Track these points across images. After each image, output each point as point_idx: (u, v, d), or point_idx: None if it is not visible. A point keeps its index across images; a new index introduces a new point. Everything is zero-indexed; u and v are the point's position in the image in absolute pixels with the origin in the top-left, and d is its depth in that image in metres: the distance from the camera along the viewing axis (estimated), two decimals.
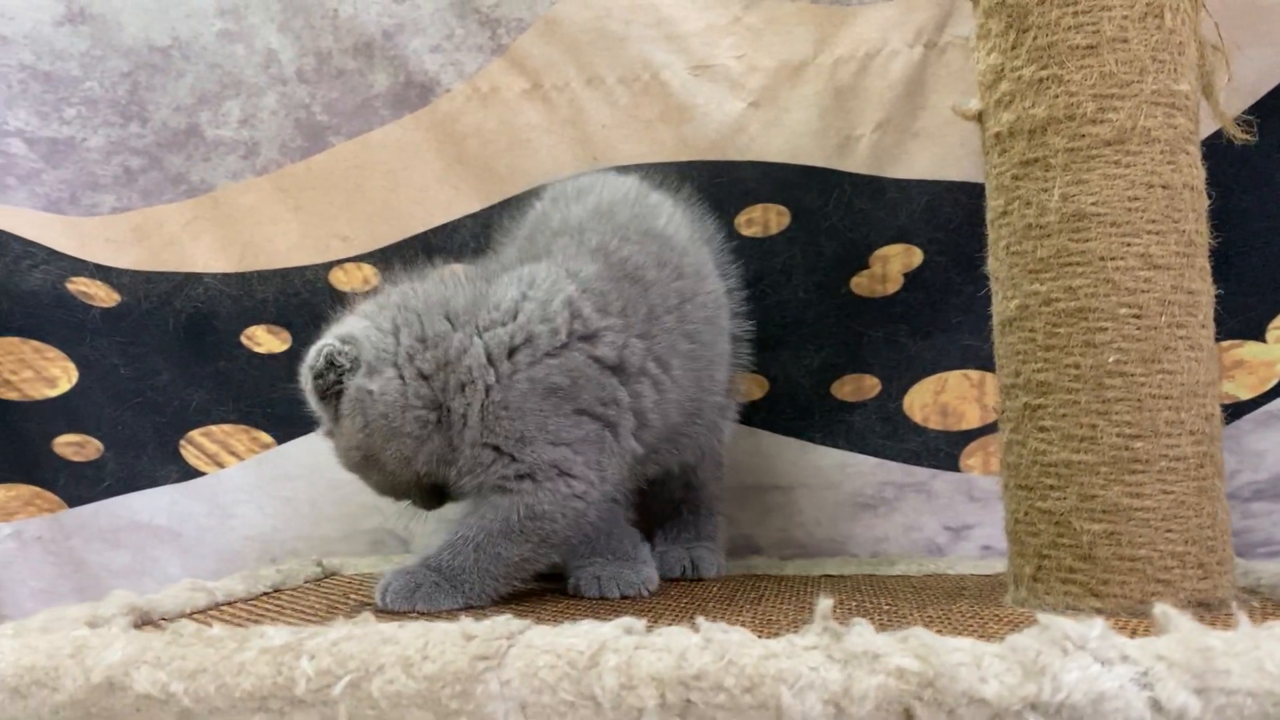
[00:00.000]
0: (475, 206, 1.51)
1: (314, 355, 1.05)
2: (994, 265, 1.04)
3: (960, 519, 1.41)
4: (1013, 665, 0.68)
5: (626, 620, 0.77)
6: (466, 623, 0.77)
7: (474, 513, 1.05)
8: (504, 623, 0.77)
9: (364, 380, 1.03)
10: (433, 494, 1.11)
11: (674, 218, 1.20)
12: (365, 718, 0.72)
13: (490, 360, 1.03)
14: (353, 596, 1.16)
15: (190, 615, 1.06)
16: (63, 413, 1.48)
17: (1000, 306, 1.02)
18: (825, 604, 0.74)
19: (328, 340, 1.05)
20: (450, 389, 1.04)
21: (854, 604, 1.03)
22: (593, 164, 1.47)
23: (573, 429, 1.03)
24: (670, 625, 0.76)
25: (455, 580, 1.02)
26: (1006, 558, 1.04)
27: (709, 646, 0.72)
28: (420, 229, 1.52)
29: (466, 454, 1.04)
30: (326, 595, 1.18)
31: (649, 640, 0.73)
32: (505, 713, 0.71)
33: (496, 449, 1.03)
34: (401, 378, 1.04)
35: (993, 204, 1.04)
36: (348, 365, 1.03)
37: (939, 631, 0.70)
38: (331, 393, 1.04)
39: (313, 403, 1.06)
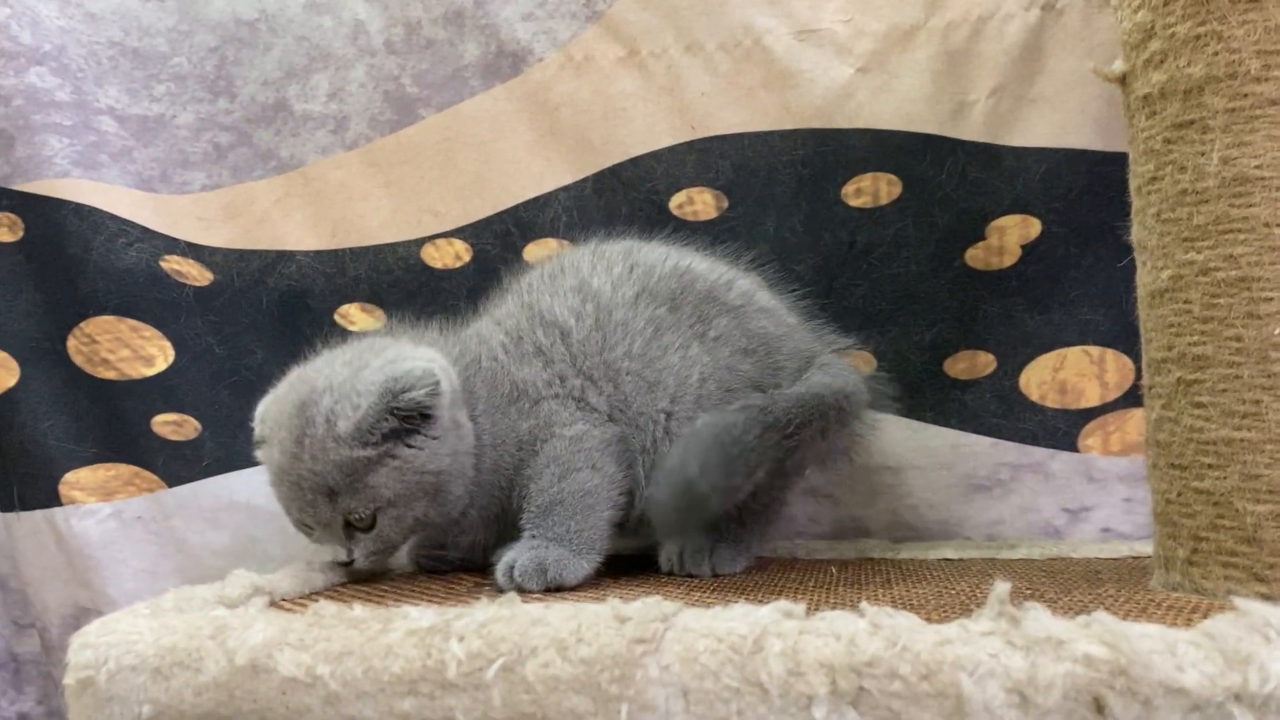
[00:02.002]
0: (568, 179, 1.47)
1: (408, 373, 1.02)
2: (1141, 234, 0.98)
3: (1079, 500, 1.36)
4: (1211, 653, 0.64)
5: (783, 604, 0.74)
6: (615, 603, 0.74)
7: (530, 496, 1.07)
8: (655, 604, 0.74)
9: (453, 411, 1.06)
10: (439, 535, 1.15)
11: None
12: (520, 703, 0.69)
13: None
14: (465, 579, 1.14)
15: (310, 596, 1.04)
16: (160, 392, 1.47)
17: (1149, 277, 0.97)
18: (1003, 587, 0.71)
19: (416, 363, 1.04)
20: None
21: (990, 588, 0.99)
22: (690, 133, 1.43)
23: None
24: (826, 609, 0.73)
25: (572, 542, 1.03)
26: (1154, 540, 0.99)
27: (878, 632, 0.69)
28: (512, 203, 1.49)
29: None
30: (441, 576, 1.16)
31: (812, 625, 0.70)
32: (666, 698, 0.68)
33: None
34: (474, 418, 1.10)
35: (1140, 169, 0.98)
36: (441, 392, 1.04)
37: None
38: (413, 414, 1.03)
39: (373, 418, 1.01)
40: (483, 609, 0.77)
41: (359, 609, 0.79)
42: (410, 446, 1.03)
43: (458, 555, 1.18)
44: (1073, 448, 1.36)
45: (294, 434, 1.03)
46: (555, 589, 1.00)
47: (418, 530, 1.10)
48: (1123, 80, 1.00)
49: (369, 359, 1.07)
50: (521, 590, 0.99)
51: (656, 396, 1.10)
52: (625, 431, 1.11)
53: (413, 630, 0.75)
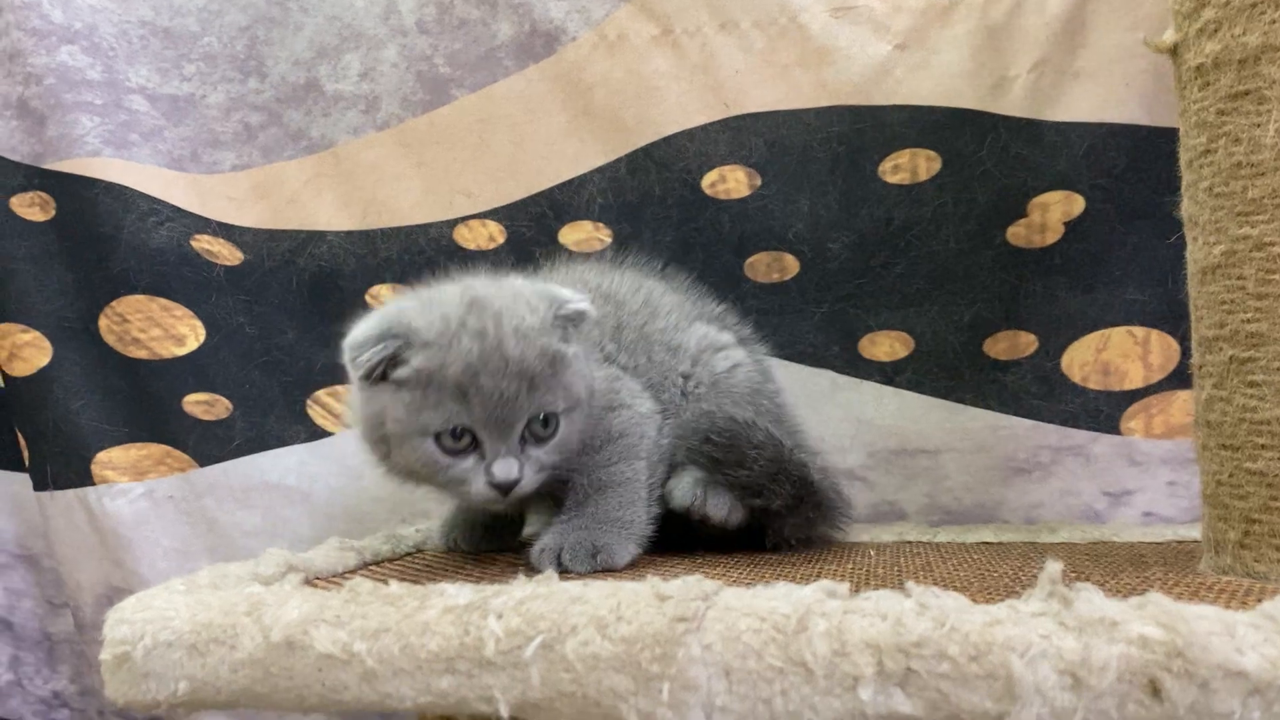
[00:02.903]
0: (601, 160, 1.46)
1: (560, 291, 1.02)
2: (1192, 209, 0.96)
3: (1120, 484, 1.34)
4: (1272, 635, 0.62)
5: (826, 584, 0.72)
6: (656, 581, 0.72)
7: (585, 469, 1.05)
8: (695, 583, 0.72)
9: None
10: None
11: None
12: (559, 681, 0.68)
13: None
14: (499, 559, 1.13)
15: (344, 575, 1.03)
16: (191, 371, 1.47)
17: (1200, 253, 0.94)
18: (1054, 567, 0.68)
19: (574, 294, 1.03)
20: None
21: (1034, 571, 0.97)
22: (724, 111, 1.42)
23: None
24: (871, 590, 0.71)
25: (621, 523, 1.01)
26: (1202, 523, 0.96)
27: (926, 612, 0.66)
28: (546, 184, 1.48)
29: None
30: (474, 557, 1.15)
31: (857, 604, 0.68)
32: (708, 677, 0.66)
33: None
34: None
35: (1191, 142, 0.95)
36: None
37: None
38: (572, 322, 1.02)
39: (550, 318, 0.99)
40: (521, 586, 0.75)
41: (395, 586, 0.78)
42: (575, 355, 1.02)
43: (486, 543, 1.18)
44: (1115, 430, 1.34)
45: (486, 328, 0.96)
46: (603, 572, 0.97)
47: (565, 460, 1.03)
48: (1174, 51, 0.97)
49: (504, 281, 1.06)
50: (565, 573, 0.96)
51: (679, 360, 1.14)
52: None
53: (450, 607, 0.74)
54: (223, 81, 1.52)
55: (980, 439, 1.37)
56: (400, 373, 0.95)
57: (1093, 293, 1.33)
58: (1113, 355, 1.33)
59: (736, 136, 1.41)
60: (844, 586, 0.71)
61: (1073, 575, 0.93)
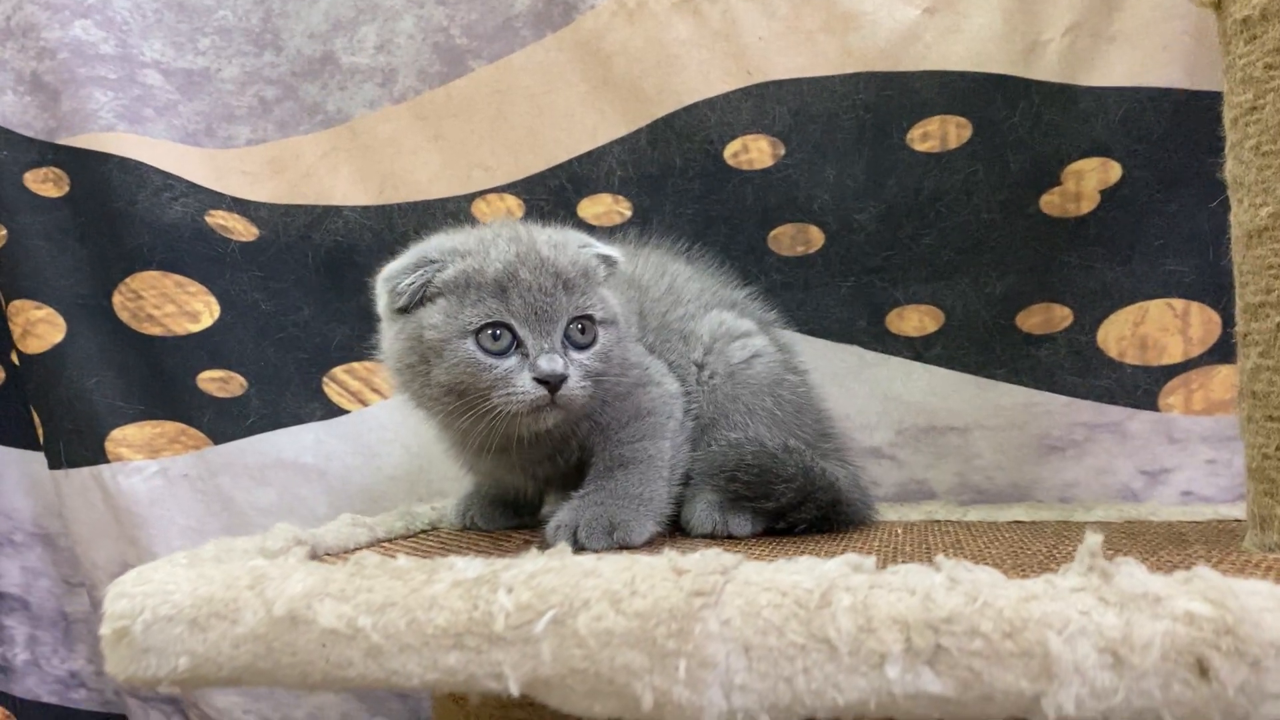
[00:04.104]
0: (622, 131, 1.43)
1: (592, 241, 1.04)
2: (1237, 170, 0.91)
3: (1158, 462, 1.30)
4: None
5: (852, 557, 0.68)
6: (672, 555, 0.70)
7: (608, 444, 1.03)
8: (715, 556, 0.69)
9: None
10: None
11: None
12: (571, 657, 0.65)
13: None
14: (515, 537, 1.10)
15: (353, 550, 1.00)
16: (206, 348, 1.45)
17: (1245, 215, 0.90)
18: (1094, 539, 0.65)
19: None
20: None
21: (1069, 549, 0.93)
22: (746, 79, 1.39)
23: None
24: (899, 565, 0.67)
25: (641, 499, 0.99)
26: (1247, 498, 0.92)
27: (956, 587, 0.63)
28: (565, 157, 1.45)
29: None
30: (489, 535, 1.12)
31: (884, 579, 0.65)
32: (727, 654, 0.63)
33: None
34: None
35: (1236, 100, 0.90)
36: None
37: None
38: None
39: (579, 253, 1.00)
40: (532, 560, 0.73)
41: (403, 560, 0.75)
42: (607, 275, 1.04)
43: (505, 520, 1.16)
44: (1153, 406, 1.30)
45: (520, 235, 0.99)
46: (621, 548, 0.95)
47: (602, 391, 1.00)
48: (1217, 4, 0.93)
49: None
50: (582, 550, 0.93)
51: (691, 348, 1.12)
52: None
53: (459, 581, 0.71)
54: (238, 55, 1.50)
55: (1013, 416, 1.34)
56: (439, 280, 0.96)
57: (1130, 263, 1.29)
58: (1151, 328, 1.29)
59: (760, 105, 1.38)
60: (870, 560, 0.68)
61: (1110, 552, 0.89)
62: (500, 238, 0.98)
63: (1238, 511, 1.13)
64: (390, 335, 1.00)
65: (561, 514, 0.98)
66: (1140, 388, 1.30)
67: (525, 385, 0.93)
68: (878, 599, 0.63)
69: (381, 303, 1.00)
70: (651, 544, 0.98)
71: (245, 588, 0.75)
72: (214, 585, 0.75)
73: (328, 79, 1.49)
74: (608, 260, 1.03)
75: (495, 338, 0.94)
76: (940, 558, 0.67)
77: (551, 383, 0.93)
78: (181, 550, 1.31)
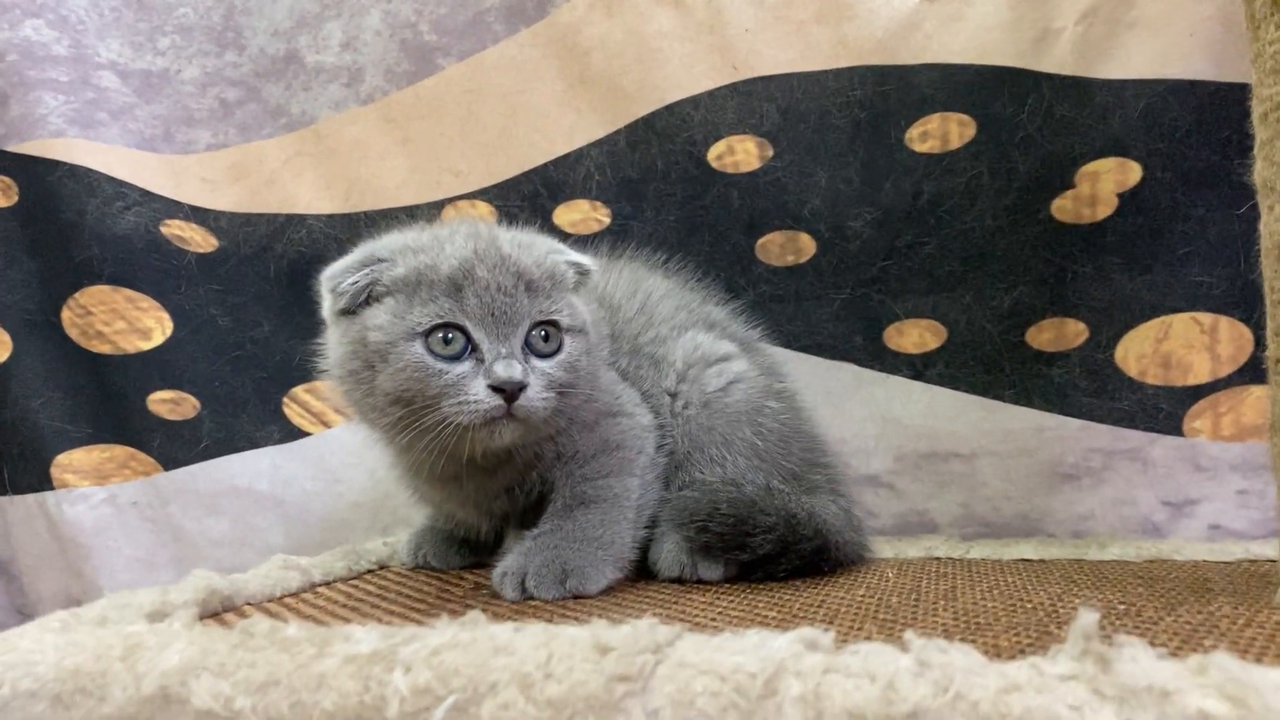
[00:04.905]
0: (600, 132, 1.36)
1: (562, 248, 0.97)
2: (1267, 172, 0.82)
3: (1183, 492, 1.20)
4: None
5: (808, 632, 0.58)
6: (599, 627, 0.61)
7: (569, 480, 0.95)
8: (647, 630, 0.60)
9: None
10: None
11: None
12: None
13: None
14: (468, 578, 1.01)
15: (281, 599, 0.92)
16: (157, 367, 1.37)
17: (1277, 225, 0.79)
18: (1088, 618, 0.55)
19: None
20: None
21: (1075, 602, 0.83)
22: (732, 74, 1.31)
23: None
24: (861, 637, 0.57)
25: (602, 545, 0.91)
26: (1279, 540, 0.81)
27: (925, 673, 0.54)
28: (540, 160, 1.38)
29: None
30: (441, 575, 1.04)
31: (841, 661, 0.56)
32: None
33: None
34: None
35: (1266, 92, 0.81)
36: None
37: (1212, 646, 0.51)
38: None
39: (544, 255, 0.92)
40: (439, 631, 0.63)
41: (294, 628, 0.66)
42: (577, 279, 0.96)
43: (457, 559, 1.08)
44: (1177, 431, 1.21)
45: (479, 232, 0.91)
46: (574, 597, 0.87)
47: (568, 409, 0.92)
48: None
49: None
50: (530, 599, 0.86)
51: (663, 375, 1.04)
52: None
53: (351, 656, 0.62)
54: (199, 55, 1.43)
55: (1022, 441, 1.25)
56: (388, 278, 0.88)
57: (1151, 273, 1.20)
58: (1175, 345, 1.20)
59: (746, 103, 1.30)
60: (827, 636, 0.58)
61: (1121, 608, 0.79)
62: (458, 234, 0.90)
63: (1270, 550, 1.03)
64: (333, 340, 0.92)
65: (509, 559, 0.90)
66: (1163, 410, 1.21)
67: (479, 393, 0.84)
68: (831, 687, 0.53)
69: (325, 305, 0.92)
70: (612, 590, 0.90)
71: (117, 659, 0.66)
72: (83, 655, 0.67)
73: (291, 79, 1.42)
74: (579, 268, 0.94)
75: (447, 340, 0.85)
76: (909, 634, 0.57)
77: (508, 390, 0.84)
78: (129, 583, 1.24)
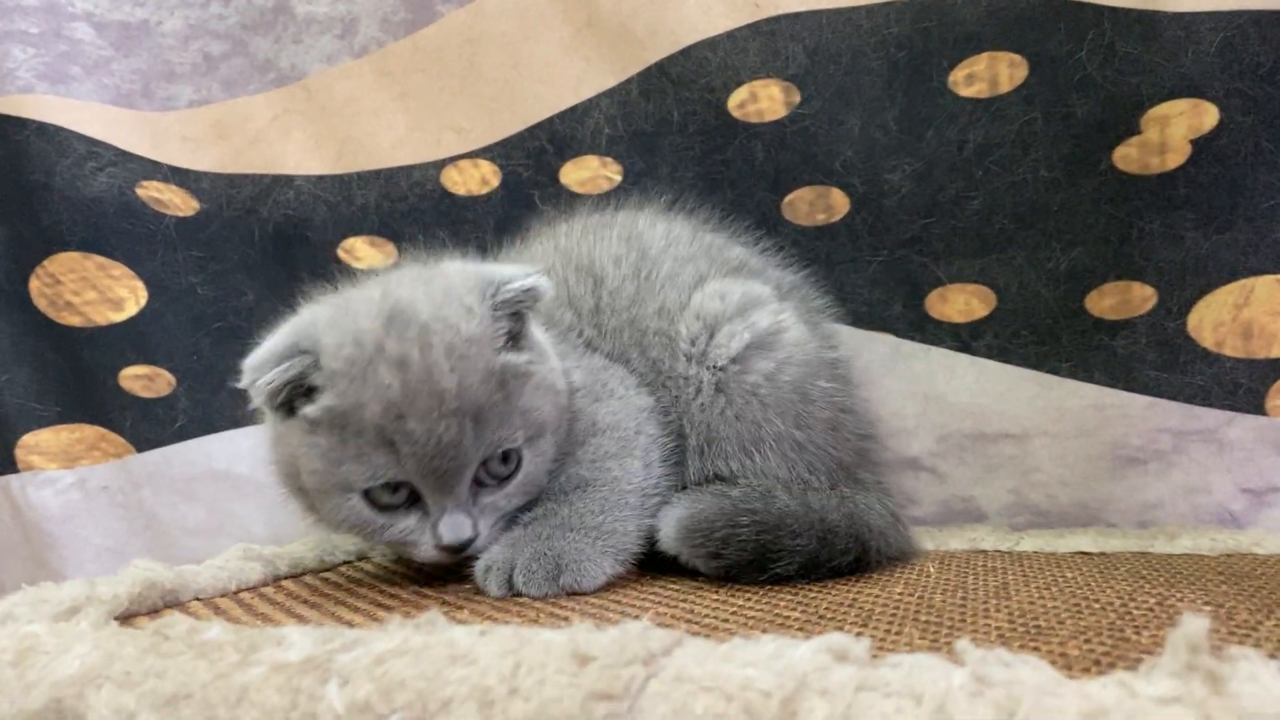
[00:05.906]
0: (610, 81, 1.27)
1: (501, 270, 0.85)
2: None
3: (1265, 478, 1.11)
4: None
5: (836, 639, 0.48)
6: (580, 630, 0.51)
7: (559, 470, 0.88)
8: (638, 635, 0.51)
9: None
10: None
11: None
12: None
13: None
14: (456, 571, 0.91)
15: (236, 594, 0.82)
16: (130, 340, 1.28)
17: None
18: (1196, 625, 0.44)
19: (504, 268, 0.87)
20: None
21: (1149, 601, 0.72)
22: (754, 12, 1.22)
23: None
24: (901, 645, 0.46)
25: (601, 534, 0.82)
26: None
27: (984, 692, 0.43)
28: (546, 114, 1.29)
29: None
30: (426, 568, 0.93)
31: (878, 675, 0.46)
32: None
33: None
34: None
35: None
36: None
37: None
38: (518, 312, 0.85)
39: (491, 318, 0.81)
40: (386, 635, 0.53)
41: (217, 629, 0.56)
42: (532, 364, 0.84)
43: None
44: (1259, 409, 1.12)
45: (409, 356, 0.77)
46: (569, 594, 0.78)
47: (537, 489, 0.85)
48: None
49: (433, 275, 0.85)
50: (518, 596, 0.77)
51: (673, 353, 0.96)
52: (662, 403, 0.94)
53: (280, 665, 0.52)
54: (181, 5, 1.35)
55: (1080, 420, 1.17)
56: (309, 410, 0.77)
57: (1230, 231, 1.10)
58: (1257, 312, 1.11)
59: (770, 43, 1.22)
60: (862, 644, 0.48)
61: (1208, 608, 0.67)
62: (383, 356, 0.76)
63: None
64: (270, 433, 0.84)
65: (495, 550, 0.80)
66: (1243, 386, 1.12)
67: (426, 550, 0.80)
68: (866, 709, 0.44)
69: (249, 395, 0.80)
70: (609, 587, 0.81)
71: (8, 664, 0.57)
72: None
73: (281, 31, 1.33)
74: (526, 299, 0.82)
75: (392, 491, 0.78)
76: (964, 643, 0.46)
77: (455, 549, 0.80)
78: (96, 574, 1.14)
